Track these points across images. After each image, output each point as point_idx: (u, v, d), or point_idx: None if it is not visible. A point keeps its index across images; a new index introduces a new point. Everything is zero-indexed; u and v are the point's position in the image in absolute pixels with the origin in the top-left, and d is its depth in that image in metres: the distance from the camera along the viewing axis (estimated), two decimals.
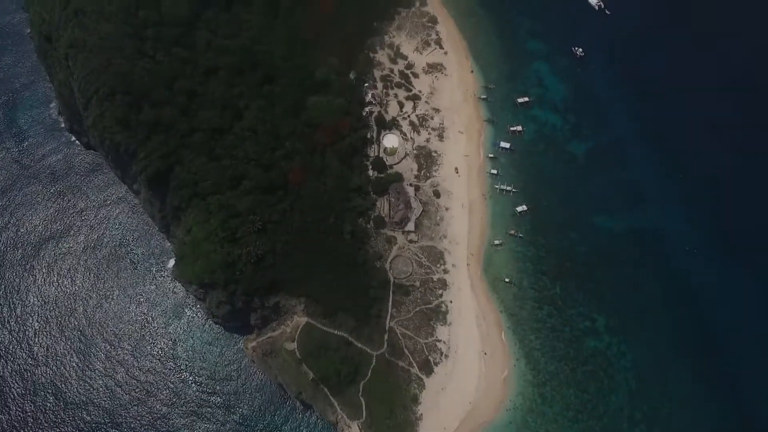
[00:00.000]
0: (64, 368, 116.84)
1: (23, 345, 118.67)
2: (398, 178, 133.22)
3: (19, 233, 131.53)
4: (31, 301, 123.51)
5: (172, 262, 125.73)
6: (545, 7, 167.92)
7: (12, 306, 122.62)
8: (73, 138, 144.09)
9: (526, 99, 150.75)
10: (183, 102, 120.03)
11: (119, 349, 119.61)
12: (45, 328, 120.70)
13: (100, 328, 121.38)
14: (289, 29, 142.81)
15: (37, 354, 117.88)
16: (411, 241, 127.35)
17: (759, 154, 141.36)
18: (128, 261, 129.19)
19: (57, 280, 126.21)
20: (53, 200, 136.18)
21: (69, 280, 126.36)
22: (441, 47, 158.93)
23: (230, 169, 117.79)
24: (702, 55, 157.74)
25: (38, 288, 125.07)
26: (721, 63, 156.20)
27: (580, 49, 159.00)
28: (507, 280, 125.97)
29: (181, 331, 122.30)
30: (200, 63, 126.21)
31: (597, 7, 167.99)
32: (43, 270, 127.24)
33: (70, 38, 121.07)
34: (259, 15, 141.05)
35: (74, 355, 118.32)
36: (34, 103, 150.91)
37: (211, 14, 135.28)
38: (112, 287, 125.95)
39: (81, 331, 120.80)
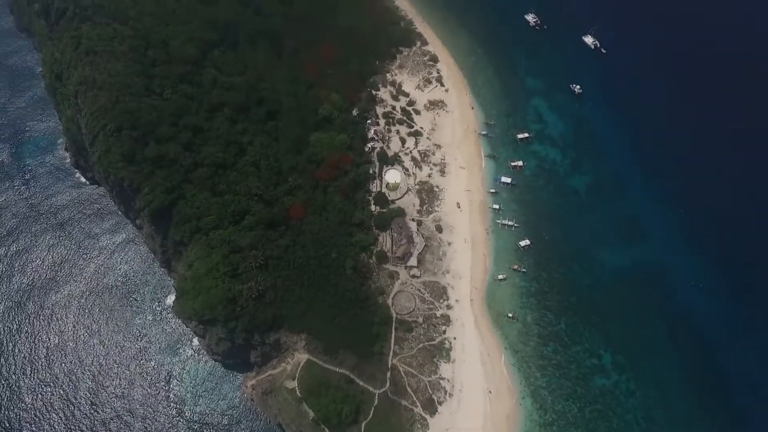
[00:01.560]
0: (53, 411, 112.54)
1: (13, 387, 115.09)
2: (400, 213, 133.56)
3: (14, 267, 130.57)
4: (24, 338, 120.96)
5: (171, 298, 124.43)
6: (542, 46, 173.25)
7: (5, 345, 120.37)
8: (78, 173, 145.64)
9: (526, 135, 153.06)
10: (188, 138, 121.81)
11: (111, 388, 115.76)
12: (35, 365, 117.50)
13: (92, 367, 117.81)
14: (293, 67, 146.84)
15: (25, 397, 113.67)
16: (413, 277, 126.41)
17: (761, 186, 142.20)
18: (127, 297, 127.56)
19: (51, 316, 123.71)
20: (55, 235, 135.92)
21: (64, 317, 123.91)
22: (442, 85, 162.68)
23: (233, 204, 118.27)
24: (697, 89, 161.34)
25: (31, 325, 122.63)
26: (717, 96, 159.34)
27: (578, 87, 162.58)
28: (510, 315, 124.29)
29: (178, 369, 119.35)
30: (206, 100, 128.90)
31: (593, 47, 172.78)
32: (37, 305, 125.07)
33: (80, 76, 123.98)
34: (264, 54, 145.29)
35: (63, 395, 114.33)
36: (41, 139, 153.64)
37: (218, 53, 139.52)
38: (109, 324, 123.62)
39: (71, 371, 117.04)
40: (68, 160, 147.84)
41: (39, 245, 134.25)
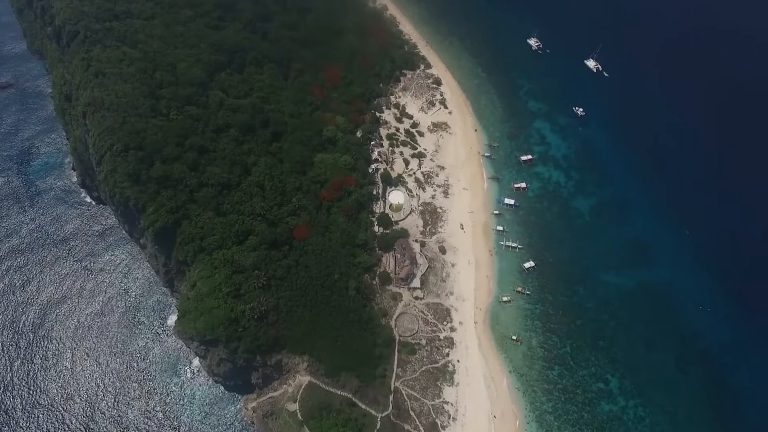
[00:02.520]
0: None
1: (9, 410, 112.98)
2: (404, 234, 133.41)
3: (15, 285, 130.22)
4: (22, 358, 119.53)
5: (172, 318, 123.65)
6: (545, 70, 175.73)
7: (3, 366, 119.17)
8: (84, 193, 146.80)
9: (530, 156, 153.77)
10: (193, 158, 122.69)
11: (107, 410, 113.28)
12: (31, 386, 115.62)
13: (88, 388, 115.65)
14: (299, 90, 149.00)
15: (20, 420, 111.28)
16: (417, 298, 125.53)
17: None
18: (128, 317, 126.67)
19: (50, 336, 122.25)
20: (58, 253, 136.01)
21: (63, 336, 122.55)
22: (445, 107, 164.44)
23: (237, 224, 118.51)
24: (700, 110, 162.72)
25: (29, 344, 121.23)
26: (721, 117, 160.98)
27: (581, 109, 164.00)
28: (515, 338, 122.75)
29: (178, 391, 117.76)
30: (211, 121, 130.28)
31: (595, 70, 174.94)
32: (36, 324, 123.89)
33: (89, 97, 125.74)
34: (270, 76, 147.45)
35: (59, 418, 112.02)
36: (49, 158, 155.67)
37: (224, 75, 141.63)
38: (108, 345, 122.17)
39: (67, 393, 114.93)
40: (75, 180, 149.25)
41: (41, 263, 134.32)
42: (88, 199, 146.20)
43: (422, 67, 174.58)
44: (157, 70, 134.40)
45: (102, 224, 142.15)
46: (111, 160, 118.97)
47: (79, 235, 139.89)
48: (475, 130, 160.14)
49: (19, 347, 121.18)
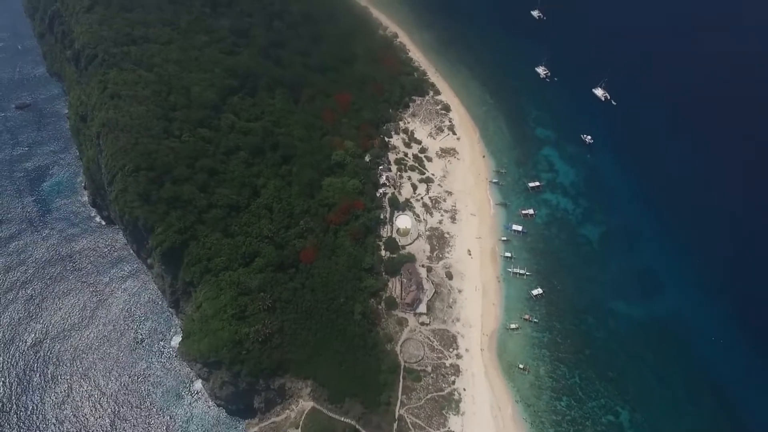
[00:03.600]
0: None
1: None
2: (410, 258, 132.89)
3: (18, 301, 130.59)
4: (22, 378, 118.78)
5: (176, 340, 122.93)
6: (553, 97, 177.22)
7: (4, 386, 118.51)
8: (95, 212, 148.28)
9: (537, 183, 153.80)
10: (203, 179, 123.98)
11: None
12: (29, 407, 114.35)
13: (86, 410, 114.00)
14: (309, 114, 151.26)
15: None
16: (423, 324, 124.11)
17: None
18: (132, 337, 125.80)
19: (50, 357, 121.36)
20: (65, 273, 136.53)
21: (63, 356, 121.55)
22: (454, 133, 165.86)
23: (244, 246, 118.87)
24: (709, 138, 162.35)
25: (29, 362, 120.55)
26: (730, 145, 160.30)
27: (589, 137, 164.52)
28: (522, 366, 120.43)
29: (180, 414, 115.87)
30: (222, 143, 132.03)
31: (603, 98, 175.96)
32: (37, 344, 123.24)
33: (103, 118, 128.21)
34: (282, 101, 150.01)
35: None
36: (62, 177, 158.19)
37: (237, 99, 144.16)
38: (110, 366, 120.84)
39: (64, 414, 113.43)
40: (86, 199, 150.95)
41: (47, 281, 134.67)
42: (98, 219, 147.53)
43: (431, 93, 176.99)
44: (171, 93, 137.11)
45: (110, 244, 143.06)
46: (122, 179, 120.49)
47: (86, 254, 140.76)
48: (483, 156, 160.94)
49: (19, 366, 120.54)
